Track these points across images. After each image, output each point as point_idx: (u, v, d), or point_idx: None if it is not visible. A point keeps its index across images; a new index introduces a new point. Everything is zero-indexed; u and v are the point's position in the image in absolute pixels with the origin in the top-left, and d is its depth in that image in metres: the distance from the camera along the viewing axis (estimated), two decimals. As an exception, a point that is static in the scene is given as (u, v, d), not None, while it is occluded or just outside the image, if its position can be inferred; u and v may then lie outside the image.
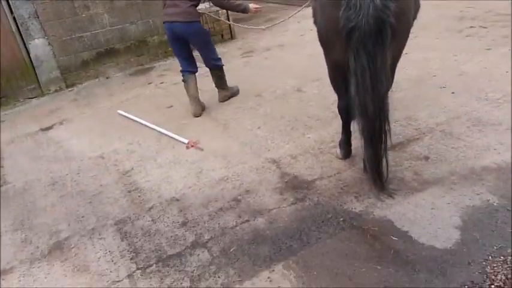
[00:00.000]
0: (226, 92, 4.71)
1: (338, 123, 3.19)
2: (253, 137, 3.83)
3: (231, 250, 2.49)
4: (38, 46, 6.13)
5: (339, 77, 2.71)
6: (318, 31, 2.67)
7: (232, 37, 7.53)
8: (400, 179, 2.82)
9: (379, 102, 2.30)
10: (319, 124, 3.77)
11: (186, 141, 3.96)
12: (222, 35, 7.45)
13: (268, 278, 2.23)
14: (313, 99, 4.37)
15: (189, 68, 4.43)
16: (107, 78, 6.70)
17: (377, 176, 2.47)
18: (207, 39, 4.34)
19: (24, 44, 6.07)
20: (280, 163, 3.32)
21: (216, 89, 4.72)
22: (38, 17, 6.01)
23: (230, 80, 4.80)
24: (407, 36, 2.57)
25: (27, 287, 2.50)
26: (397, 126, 3.50)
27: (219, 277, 2.30)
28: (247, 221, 2.72)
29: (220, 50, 6.89)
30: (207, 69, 4.65)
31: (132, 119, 4.77)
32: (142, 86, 6.04)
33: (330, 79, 2.86)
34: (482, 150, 2.97)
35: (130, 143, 4.21)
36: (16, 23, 5.93)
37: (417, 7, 2.79)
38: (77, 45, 6.40)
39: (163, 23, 4.30)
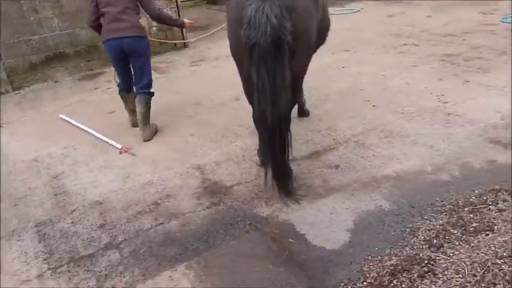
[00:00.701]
0: (151, 127, 4.18)
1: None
2: (184, 143, 3.97)
3: (141, 251, 2.61)
4: (-17, 48, 6.06)
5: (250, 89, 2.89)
6: (229, 47, 2.85)
7: (185, 45, 7.65)
8: (309, 186, 3.03)
9: (279, 114, 2.49)
10: (247, 133, 3.94)
11: (119, 146, 4.06)
12: (175, 44, 7.56)
13: (170, 277, 2.37)
14: (247, 109, 4.48)
15: (129, 87, 4.26)
16: (56, 82, 6.68)
17: (281, 182, 2.67)
18: (149, 56, 4.17)
19: (-32, 45, 6.00)
20: (204, 169, 3.47)
21: (139, 126, 4.15)
22: (-17, 19, 5.95)
23: (175, 88, 4.93)
24: (310, 53, 2.78)
25: None
26: (318, 136, 3.74)
27: (124, 276, 2.42)
28: (162, 223, 2.85)
29: (172, 57, 7.06)
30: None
31: (72, 124, 4.81)
32: (89, 91, 6.07)
33: (244, 91, 3.05)
34: (387, 159, 3.22)
35: (66, 147, 4.26)
36: (-41, 24, 5.86)
37: (325, 26, 3.03)
38: (24, 48, 6.37)
39: (107, 40, 3.92)
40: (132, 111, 4.34)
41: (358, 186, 2.94)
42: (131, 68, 4.14)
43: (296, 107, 4.13)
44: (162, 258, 2.52)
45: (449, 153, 3.19)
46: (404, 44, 6.13)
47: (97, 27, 4.06)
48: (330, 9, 9.68)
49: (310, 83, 4.86)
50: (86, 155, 4.05)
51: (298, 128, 3.91)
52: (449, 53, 5.45)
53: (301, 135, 3.77)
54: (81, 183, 3.54)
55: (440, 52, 5.54)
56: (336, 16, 9.14)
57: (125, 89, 4.30)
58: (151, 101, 4.20)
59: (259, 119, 2.56)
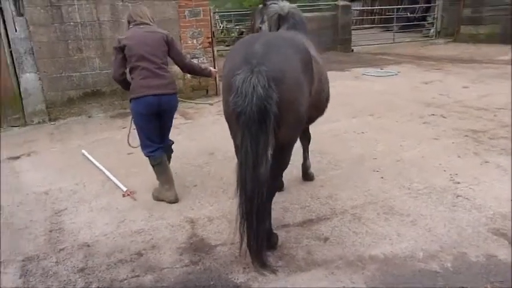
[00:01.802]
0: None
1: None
2: (186, 194, 4.01)
3: (109, 302, 2.60)
4: (29, 80, 6.58)
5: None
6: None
7: (217, 93, 7.90)
8: (292, 257, 2.93)
9: (258, 182, 2.48)
10: (247, 191, 3.92)
11: (124, 189, 4.17)
12: (207, 91, 7.83)
13: (126, 335, 2.33)
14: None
15: (160, 143, 3.87)
16: (89, 117, 7.06)
17: (255, 252, 2.62)
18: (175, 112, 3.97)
19: (17, 77, 6.52)
20: (195, 223, 3.47)
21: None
22: (33, 54, 6.50)
23: (195, 135, 5.05)
24: (298, 125, 2.78)
25: None
26: (316, 203, 3.66)
27: (83, 327, 2.41)
28: (137, 276, 2.84)
29: (200, 105, 7.28)
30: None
31: (90, 160, 5.01)
32: (116, 129, 6.35)
33: (236, 153, 3.07)
34: (379, 238, 3.08)
35: (77, 183, 4.43)
36: (12, 57, 6.41)
37: (321, 98, 3.05)
38: (65, 83, 6.84)
39: (142, 97, 3.59)
40: (171, 183, 3.86)
41: (341, 264, 2.82)
42: (158, 122, 3.81)
43: (300, 170, 4.14)
44: (125, 314, 2.49)
45: (447, 240, 3.01)
46: (432, 115, 6.00)
47: (124, 81, 3.78)
48: (367, 70, 9.83)
49: (323, 146, 4.88)
50: (93, 193, 4.18)
51: (298, 193, 3.87)
52: (475, 129, 5.26)
53: (300, 201, 3.71)
54: (78, 222, 3.64)
55: (467, 127, 5.37)
56: (370, 78, 9.20)
57: (158, 150, 3.83)
58: None
59: (239, 184, 2.56)
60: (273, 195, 2.88)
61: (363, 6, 23.81)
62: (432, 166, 4.24)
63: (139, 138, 3.86)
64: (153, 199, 3.95)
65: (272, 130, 2.46)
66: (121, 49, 3.61)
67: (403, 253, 2.89)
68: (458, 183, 3.86)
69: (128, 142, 4.13)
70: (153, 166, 3.87)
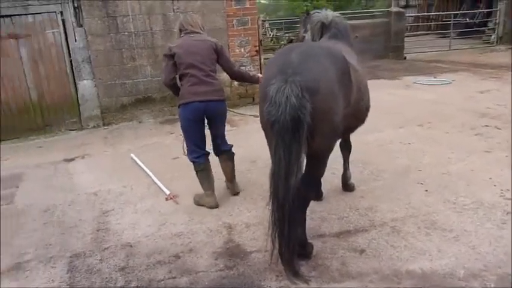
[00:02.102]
0: (236, 181, 4.25)
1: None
2: (226, 200, 4.09)
3: (145, 301, 2.71)
4: (86, 87, 7.00)
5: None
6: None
7: (263, 101, 7.97)
8: (326, 267, 2.91)
9: (290, 190, 2.50)
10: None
11: (168, 192, 4.32)
12: (253, 98, 7.93)
13: (159, 334, 2.42)
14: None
15: (204, 150, 3.95)
16: (140, 122, 7.38)
17: (286, 260, 2.63)
18: (226, 118, 4.06)
19: (75, 83, 6.96)
20: (233, 229, 3.53)
21: (227, 183, 4.26)
22: (90, 62, 6.91)
23: (239, 142, 5.13)
24: (333, 135, 2.75)
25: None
26: (355, 215, 3.60)
27: (120, 324, 2.53)
28: (174, 277, 2.94)
29: (248, 112, 7.38)
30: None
31: (138, 164, 5.24)
32: (164, 134, 6.59)
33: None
34: (418, 253, 2.98)
35: (125, 185, 4.65)
36: (71, 65, 6.85)
37: (360, 108, 3.01)
38: (119, 89, 7.20)
39: (189, 103, 3.70)
40: (212, 189, 3.99)
41: (376, 278, 2.75)
42: (204, 129, 3.93)
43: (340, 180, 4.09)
44: (159, 313, 2.59)
45: (492, 259, 2.85)
46: (486, 126, 5.70)
47: (173, 86, 3.88)
48: (419, 79, 9.51)
49: (367, 156, 4.80)
50: (138, 196, 4.37)
51: (337, 203, 3.83)
52: (533, 142, 4.94)
53: (338, 211, 3.67)
54: (123, 223, 3.81)
55: (524, 140, 5.05)
56: (422, 87, 8.90)
57: (203, 157, 3.93)
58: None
59: (271, 192, 2.58)
60: (307, 204, 2.87)
61: (418, 13, 23.08)
62: (481, 180, 4.03)
63: (186, 143, 3.95)
64: (194, 203, 4.06)
65: (305, 139, 2.47)
66: (171, 56, 3.72)
67: (442, 270, 2.78)
68: (509, 199, 3.65)
69: (183, 150, 4.12)
70: (196, 172, 3.96)
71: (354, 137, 4.01)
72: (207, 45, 3.79)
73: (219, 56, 3.86)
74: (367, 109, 3.39)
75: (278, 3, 44.58)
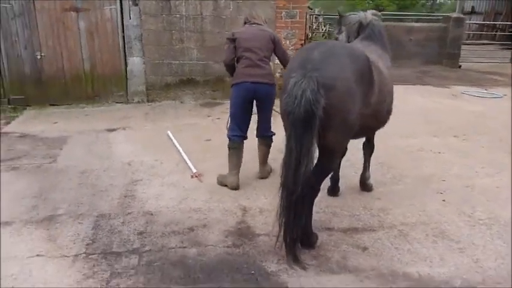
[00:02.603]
0: (267, 167, 4.49)
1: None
2: (247, 184, 4.28)
3: (155, 264, 2.97)
4: (135, 63, 7.39)
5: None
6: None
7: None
8: (327, 258, 3.04)
9: (298, 180, 2.65)
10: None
11: (194, 171, 4.57)
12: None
13: (162, 294, 2.66)
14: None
15: (244, 133, 4.23)
16: (181, 102, 7.70)
17: (289, 246, 2.79)
18: (273, 104, 4.29)
19: (125, 59, 7.37)
20: (247, 212, 3.72)
21: (259, 165, 4.48)
22: (141, 40, 7.28)
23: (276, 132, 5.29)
24: (346, 132, 2.85)
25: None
26: (366, 214, 3.68)
27: (129, 279, 2.80)
28: (184, 247, 3.18)
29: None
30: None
31: (172, 141, 5.54)
32: (202, 117, 6.86)
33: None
34: (419, 258, 3.04)
35: (157, 159, 4.95)
36: (124, 41, 7.26)
37: (381, 109, 3.08)
38: (165, 69, 7.53)
39: (241, 82, 4.05)
40: (237, 170, 4.21)
41: (372, 275, 2.86)
42: (250, 114, 4.25)
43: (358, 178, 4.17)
44: (165, 276, 2.84)
45: (493, 274, 2.87)
46: (524, 145, 5.52)
47: (231, 66, 4.24)
48: (468, 89, 9.20)
49: (393, 161, 4.83)
50: (167, 170, 4.65)
51: (352, 201, 3.92)
52: None
53: (351, 208, 3.77)
54: (148, 193, 4.10)
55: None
56: (470, 98, 8.64)
57: (240, 137, 4.20)
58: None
59: (281, 180, 2.74)
60: (314, 195, 3.00)
61: (483, 20, 22.00)
62: (504, 198, 3.97)
63: (230, 120, 4.27)
64: (217, 183, 4.29)
65: (316, 133, 2.59)
66: (233, 40, 4.15)
67: (439, 277, 2.84)
68: (528, 220, 3.59)
69: (226, 125, 4.37)
70: (229, 149, 4.21)
71: (384, 140, 4.05)
72: (266, 34, 4.19)
73: (276, 47, 4.23)
74: (389, 112, 3.45)
75: (338, -1, 43.95)
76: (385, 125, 3.68)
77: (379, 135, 4.11)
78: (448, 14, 14.43)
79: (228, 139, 4.22)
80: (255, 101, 4.18)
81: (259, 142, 4.40)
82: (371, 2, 34.27)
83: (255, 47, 4.07)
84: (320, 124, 2.59)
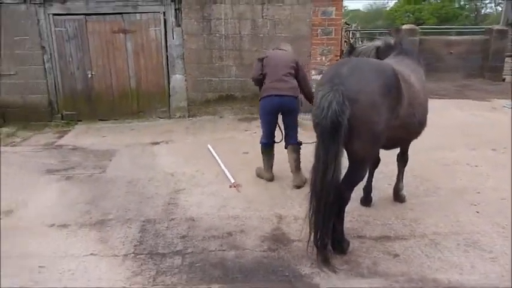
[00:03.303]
0: (301, 175, 4.69)
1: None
2: (282, 194, 4.49)
3: (196, 264, 3.21)
4: (177, 80, 7.82)
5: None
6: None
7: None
8: (357, 263, 3.18)
9: (326, 186, 2.84)
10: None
11: (232, 181, 4.82)
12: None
13: (202, 291, 2.90)
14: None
15: (271, 140, 4.80)
16: (220, 117, 8.04)
17: (318, 248, 2.96)
18: (297, 115, 4.78)
19: (168, 76, 7.81)
20: (282, 219, 3.92)
21: (292, 173, 4.74)
22: (183, 59, 7.71)
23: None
24: (373, 142, 3.00)
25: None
26: (399, 224, 3.79)
27: (173, 277, 3.05)
28: (223, 250, 3.41)
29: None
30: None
31: (212, 154, 5.84)
32: (240, 131, 7.15)
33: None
34: (450, 266, 3.12)
35: (197, 170, 5.25)
36: (167, 60, 7.72)
37: (412, 122, 3.22)
38: (205, 86, 7.92)
39: (268, 96, 4.56)
40: (271, 168, 4.82)
41: (402, 280, 2.97)
42: (278, 123, 4.81)
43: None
44: (205, 275, 3.07)
45: (524, 283, 2.91)
46: None
47: (259, 80, 4.80)
48: (510, 103, 8.97)
49: (428, 173, 4.90)
50: (207, 180, 4.93)
51: (384, 211, 4.03)
52: None
53: (383, 218, 3.88)
54: (190, 201, 4.38)
55: None
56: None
57: (270, 144, 4.77)
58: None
59: (311, 186, 2.94)
60: (344, 203, 3.15)
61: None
62: (541, 210, 3.96)
63: (262, 129, 4.85)
64: (255, 175, 4.93)
65: (342, 142, 2.78)
66: (262, 59, 4.80)
67: (469, 284, 2.91)
68: None
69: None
70: (262, 152, 4.85)
71: (420, 153, 4.11)
72: (289, 57, 4.79)
73: (297, 70, 4.71)
74: (421, 124, 3.55)
75: (378, 12, 43.68)
76: (418, 137, 3.78)
77: (415, 149, 4.23)
78: (490, 26, 14.16)
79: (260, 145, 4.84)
80: (280, 113, 4.66)
81: (289, 151, 4.77)
82: (411, 15, 33.93)
83: (280, 65, 4.63)
84: (347, 134, 2.78)
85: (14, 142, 6.83)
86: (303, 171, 4.67)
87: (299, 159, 4.73)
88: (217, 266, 3.19)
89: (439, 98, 9.39)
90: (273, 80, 4.60)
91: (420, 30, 14.01)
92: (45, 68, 7.72)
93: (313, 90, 4.64)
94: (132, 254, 3.38)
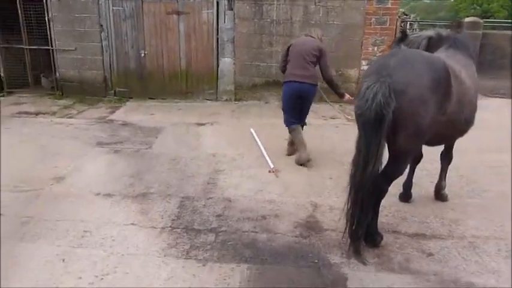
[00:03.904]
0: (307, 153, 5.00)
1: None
2: (320, 182, 4.48)
3: (229, 243, 3.31)
4: (226, 63, 7.92)
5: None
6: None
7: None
8: (389, 258, 3.14)
9: (366, 178, 2.81)
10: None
11: (272, 166, 4.87)
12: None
13: (232, 268, 2.99)
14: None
15: (297, 121, 5.11)
16: (266, 103, 8.08)
17: (353, 238, 2.96)
18: (312, 101, 5.10)
19: (217, 59, 7.93)
20: (317, 208, 3.93)
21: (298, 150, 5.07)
22: (233, 42, 7.79)
23: (348, 135, 5.48)
24: (416, 137, 2.91)
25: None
26: (437, 223, 3.69)
27: (206, 252, 3.17)
28: (256, 232, 3.48)
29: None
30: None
31: (254, 137, 5.91)
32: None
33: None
34: (487, 271, 3.02)
35: (239, 153, 5.34)
36: (217, 43, 7.83)
37: (459, 119, 3.10)
38: (253, 70, 7.97)
39: (289, 81, 4.90)
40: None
41: (433, 279, 2.91)
42: (297, 107, 5.08)
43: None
44: (236, 254, 3.16)
45: None
46: None
47: (284, 67, 5.10)
48: None
49: (475, 174, 4.72)
50: (247, 164, 5.01)
51: (423, 208, 3.94)
52: None
53: (421, 216, 3.79)
54: (229, 182, 4.48)
55: None
56: None
57: (293, 122, 5.12)
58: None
59: (350, 177, 2.92)
60: (381, 196, 3.11)
61: None
62: None
63: (283, 113, 5.16)
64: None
65: (385, 135, 2.73)
66: (288, 47, 5.05)
67: (505, 291, 2.80)
68: None
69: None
70: (290, 132, 5.17)
71: (468, 154, 3.94)
72: (314, 44, 4.94)
73: (320, 56, 4.87)
74: (468, 122, 3.41)
75: (441, 4, 41.58)
76: (464, 135, 3.64)
77: (463, 148, 4.07)
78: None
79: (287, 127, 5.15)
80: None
81: (298, 129, 5.10)
82: (478, 7, 31.85)
83: (302, 52, 4.84)
84: (391, 127, 2.73)
85: (70, 114, 7.23)
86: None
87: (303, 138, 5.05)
88: (248, 247, 3.27)
89: (498, 97, 8.91)
90: (294, 67, 4.87)
91: (486, 24, 13.24)
92: (102, 46, 8.07)
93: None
94: (169, 228, 3.52)
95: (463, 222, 3.70)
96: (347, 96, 5.08)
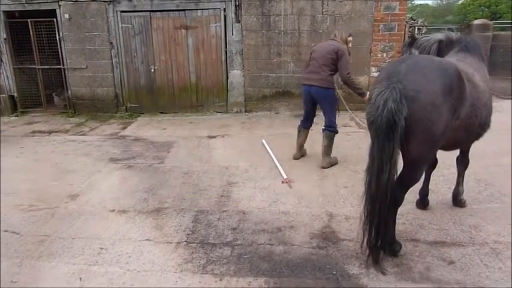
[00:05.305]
0: (330, 159, 5.19)
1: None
2: (334, 192, 4.43)
3: (245, 256, 3.27)
4: (235, 75, 7.95)
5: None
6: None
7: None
8: (409, 267, 3.07)
9: (381, 186, 2.76)
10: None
11: (285, 176, 4.84)
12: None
13: (249, 282, 2.95)
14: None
15: (307, 125, 5.40)
16: (276, 113, 8.07)
17: (371, 248, 2.90)
18: (333, 104, 5.11)
19: (227, 72, 7.97)
20: (333, 218, 3.88)
21: (322, 156, 5.23)
22: (242, 54, 7.82)
23: (361, 143, 5.42)
24: (430, 143, 2.84)
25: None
26: (456, 229, 3.61)
27: (222, 266, 3.13)
28: (272, 244, 3.44)
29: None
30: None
31: (266, 149, 5.90)
32: (295, 127, 7.03)
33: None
34: (509, 277, 2.93)
35: (251, 165, 5.32)
36: (226, 55, 7.87)
37: (473, 123, 3.04)
38: (262, 81, 7.99)
39: (302, 85, 5.18)
40: (300, 147, 5.41)
41: (456, 288, 2.84)
42: (312, 110, 5.34)
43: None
44: (253, 267, 3.12)
45: None
46: None
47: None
48: None
49: (493, 178, 4.64)
50: (260, 175, 4.99)
51: (441, 215, 3.86)
52: None
53: (439, 223, 3.72)
54: (242, 194, 4.46)
55: None
56: None
57: (303, 126, 5.42)
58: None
59: (365, 187, 2.87)
60: (397, 204, 3.05)
61: None
62: None
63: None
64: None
65: (398, 142, 2.69)
66: (311, 53, 5.21)
67: (531, 298, 2.72)
68: None
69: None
70: (298, 131, 5.47)
71: (485, 157, 3.87)
72: (332, 47, 4.96)
73: (338, 59, 4.92)
74: (482, 126, 3.34)
75: (448, 7, 41.20)
76: (480, 138, 3.58)
77: (480, 152, 3.99)
78: None
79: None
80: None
81: (323, 134, 5.19)
82: (486, 9, 31.58)
83: (319, 57, 4.97)
84: (404, 134, 2.68)
85: (83, 131, 7.31)
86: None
87: (329, 145, 5.14)
88: (265, 259, 3.23)
89: (510, 99, 8.78)
90: (308, 71, 5.07)
91: (496, 26, 13.13)
92: (112, 63, 8.17)
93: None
94: (185, 242, 3.50)
95: (483, 228, 3.61)
96: (367, 95, 4.88)
